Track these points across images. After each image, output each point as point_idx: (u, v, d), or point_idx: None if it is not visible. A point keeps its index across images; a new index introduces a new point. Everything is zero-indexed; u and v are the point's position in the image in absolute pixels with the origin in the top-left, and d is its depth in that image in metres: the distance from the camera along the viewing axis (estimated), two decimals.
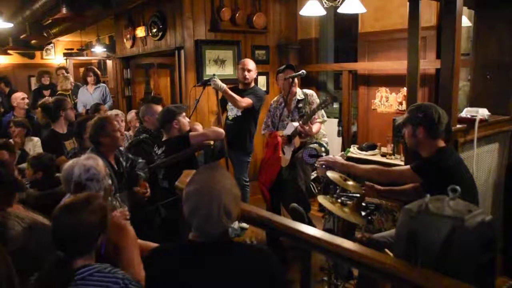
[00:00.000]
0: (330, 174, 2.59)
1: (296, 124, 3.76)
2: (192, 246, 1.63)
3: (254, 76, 4.45)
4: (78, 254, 1.67)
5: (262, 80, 5.56)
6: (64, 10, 4.96)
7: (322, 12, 4.45)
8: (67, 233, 1.66)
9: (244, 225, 4.35)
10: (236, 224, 4.18)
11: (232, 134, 4.20)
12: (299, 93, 4.07)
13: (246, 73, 4.35)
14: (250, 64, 4.41)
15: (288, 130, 3.88)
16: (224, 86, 4.09)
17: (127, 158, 3.37)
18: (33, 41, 8.39)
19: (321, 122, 3.98)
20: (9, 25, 5.96)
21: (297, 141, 3.74)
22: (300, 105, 3.95)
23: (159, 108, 4.07)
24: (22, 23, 6.77)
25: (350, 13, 4.33)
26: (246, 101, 4.18)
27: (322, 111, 3.86)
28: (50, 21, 6.80)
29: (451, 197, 1.46)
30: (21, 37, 7.92)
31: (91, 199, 1.76)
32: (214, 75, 4.17)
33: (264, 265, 1.59)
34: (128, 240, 1.94)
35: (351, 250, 1.39)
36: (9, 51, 9.61)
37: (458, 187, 1.48)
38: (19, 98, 5.67)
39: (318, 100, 3.98)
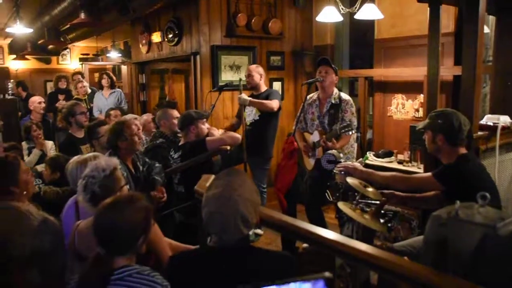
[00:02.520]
0: (350, 180, 2.56)
1: (320, 131, 3.72)
2: (212, 252, 1.62)
3: (258, 80, 4.46)
4: (119, 253, 1.65)
5: (277, 85, 5.56)
6: (82, 15, 5.02)
7: (338, 18, 4.44)
8: (108, 231, 1.64)
9: (259, 231, 4.33)
10: (251, 231, 4.17)
11: (251, 139, 4.20)
12: (335, 96, 3.84)
13: (247, 79, 4.44)
14: (250, 69, 4.50)
15: (314, 138, 3.82)
16: (248, 99, 4.21)
17: (144, 162, 3.38)
18: (50, 46, 8.48)
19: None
20: (29, 30, 6.05)
21: (320, 151, 3.67)
22: (332, 111, 3.77)
23: (174, 112, 4.10)
24: (41, 29, 6.86)
25: (367, 19, 4.32)
26: (274, 102, 4.27)
27: (355, 120, 3.75)
28: (67, 26, 6.89)
29: (481, 204, 1.43)
30: (39, 42, 8.02)
31: (135, 199, 1.74)
32: (240, 79, 4.24)
33: (284, 270, 1.57)
34: (157, 233, 1.94)
35: (381, 258, 1.36)
36: (26, 56, 9.75)
37: (487, 194, 1.45)
38: (36, 102, 5.76)
39: (353, 110, 3.80)
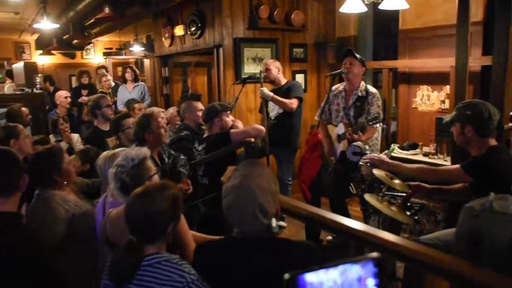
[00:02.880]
0: (377, 172, 2.54)
1: (346, 123, 3.68)
2: (236, 242, 1.63)
3: (276, 73, 4.46)
4: (149, 240, 1.67)
5: (299, 78, 5.53)
6: (106, 10, 5.09)
7: (362, 8, 4.37)
8: (138, 218, 1.66)
9: (282, 223, 4.34)
10: (274, 222, 4.18)
11: (276, 132, 4.20)
12: (362, 88, 3.78)
13: (265, 73, 4.43)
14: (268, 63, 4.51)
15: (339, 130, 3.77)
16: (271, 94, 4.19)
17: (170, 154, 3.42)
18: (74, 41, 8.63)
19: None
20: (55, 26, 6.17)
21: (345, 144, 3.63)
22: (359, 103, 3.71)
23: (199, 104, 4.12)
24: (66, 24, 6.98)
25: (391, 10, 4.25)
26: (295, 102, 4.26)
27: (381, 113, 3.68)
28: (92, 21, 6.99)
29: None
30: (64, 37, 8.17)
31: (165, 187, 1.75)
32: (261, 71, 4.23)
33: (308, 260, 1.57)
34: (184, 226, 1.96)
35: (414, 250, 1.34)
36: (52, 51, 9.95)
37: None
38: (62, 96, 5.88)
39: (379, 103, 3.74)
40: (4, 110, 4.72)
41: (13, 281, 1.63)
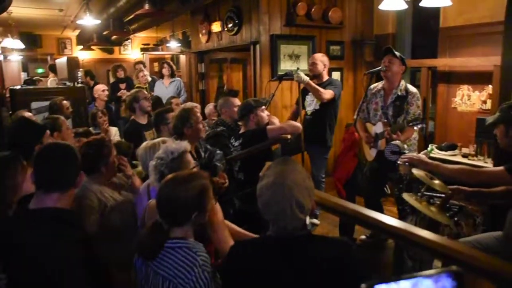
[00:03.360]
0: (416, 171, 2.50)
1: (385, 123, 3.63)
2: (271, 241, 1.63)
3: (322, 68, 4.42)
4: (173, 223, 1.74)
5: (336, 75, 5.49)
6: (146, 6, 5.20)
7: (402, 6, 4.29)
8: (164, 202, 1.75)
9: (315, 221, 4.33)
10: (307, 220, 4.18)
11: (310, 129, 4.19)
12: (402, 87, 3.73)
13: (310, 66, 4.40)
14: (315, 57, 4.45)
15: (377, 129, 3.72)
16: (307, 79, 4.15)
17: (206, 149, 3.47)
18: (113, 37, 8.85)
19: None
20: (97, 21, 6.36)
21: (382, 143, 3.58)
22: (398, 102, 3.65)
23: (236, 100, 4.16)
24: (106, 20, 7.17)
25: (432, 7, 4.15)
26: (329, 93, 4.18)
27: (420, 111, 3.63)
28: (131, 17, 7.16)
29: None
30: (104, 33, 8.39)
31: (194, 176, 1.81)
32: (298, 68, 4.21)
33: (344, 257, 1.57)
34: (218, 216, 1.99)
35: (458, 251, 1.32)
36: (92, 47, 10.24)
37: None
38: (100, 90, 6.05)
39: (419, 103, 3.69)
40: (47, 103, 4.92)
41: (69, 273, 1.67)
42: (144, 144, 2.79)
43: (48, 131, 2.96)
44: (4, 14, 5.07)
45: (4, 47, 7.85)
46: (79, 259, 1.67)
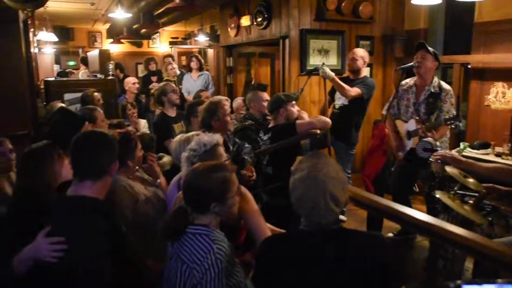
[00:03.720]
0: (449, 169, 2.46)
1: (418, 120, 3.56)
2: (305, 235, 1.63)
3: (361, 65, 4.37)
4: (197, 211, 1.79)
5: (365, 71, 5.41)
6: (177, 0, 5.25)
7: (436, 0, 4.21)
8: (187, 189, 1.81)
9: (342, 217, 4.30)
10: None
11: (337, 124, 4.15)
12: (435, 84, 3.66)
13: (350, 61, 4.33)
14: (356, 52, 4.38)
15: (410, 126, 3.65)
16: (332, 74, 4.11)
17: (234, 142, 3.49)
18: (143, 31, 8.97)
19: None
20: (128, 15, 6.46)
21: (415, 141, 3.51)
22: (431, 99, 3.58)
23: (264, 95, 4.17)
24: (137, 14, 7.27)
25: (467, 1, 4.06)
26: (354, 91, 4.12)
27: (453, 109, 3.56)
28: (160, 11, 7.24)
29: None
30: (134, 26, 8.51)
31: (218, 167, 1.84)
32: (323, 63, 4.17)
33: (377, 251, 1.57)
34: (250, 205, 2.00)
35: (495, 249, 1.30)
36: (122, 40, 10.40)
37: None
38: (131, 82, 6.15)
39: (453, 100, 3.62)
40: (79, 94, 5.03)
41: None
42: (178, 137, 2.81)
43: (87, 123, 3.02)
44: (40, 9, 5.20)
45: (39, 40, 8.05)
46: (104, 249, 1.69)
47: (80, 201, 1.75)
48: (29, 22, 5.43)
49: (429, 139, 2.92)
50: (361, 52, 4.38)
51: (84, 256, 1.66)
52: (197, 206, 1.79)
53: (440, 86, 3.64)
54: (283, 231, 2.22)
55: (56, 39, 8.48)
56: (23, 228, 1.88)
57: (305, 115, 3.76)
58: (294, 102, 3.64)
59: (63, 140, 2.37)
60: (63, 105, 4.35)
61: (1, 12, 4.20)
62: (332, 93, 4.38)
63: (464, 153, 4.08)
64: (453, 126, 3.27)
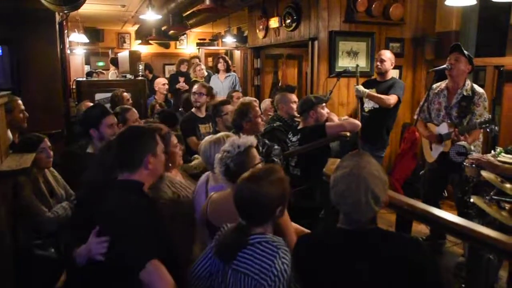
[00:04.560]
0: (485, 174, 2.41)
1: (450, 124, 3.51)
2: (341, 233, 1.63)
3: (389, 67, 4.34)
4: (256, 222, 1.72)
5: (394, 73, 5.33)
6: (207, 1, 5.31)
7: (471, 1, 4.12)
8: (247, 202, 1.71)
9: None
10: None
11: (367, 127, 4.12)
12: (468, 87, 3.59)
13: (378, 63, 4.31)
14: (385, 54, 4.34)
15: (442, 129, 3.59)
16: (366, 91, 4.16)
17: (264, 144, 3.50)
18: (171, 32, 9.07)
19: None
20: (158, 16, 6.56)
21: (448, 144, 3.45)
22: (464, 103, 3.52)
23: (293, 96, 4.18)
24: (166, 15, 7.37)
25: (502, 1, 3.96)
26: (393, 98, 4.13)
27: (486, 113, 3.49)
28: (188, 12, 7.32)
29: None
30: (163, 28, 8.63)
31: (273, 171, 1.78)
32: (357, 65, 4.16)
33: (414, 255, 1.55)
34: (285, 215, 1.99)
35: None
36: (150, 41, 10.56)
37: None
38: (161, 83, 6.26)
39: (486, 104, 3.56)
40: (109, 94, 5.14)
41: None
42: (208, 137, 2.78)
43: (112, 117, 3.10)
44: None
45: (71, 41, 8.26)
46: (147, 223, 1.76)
47: (120, 181, 1.89)
48: (64, 24, 5.58)
49: (463, 143, 2.87)
50: (388, 54, 4.35)
51: (130, 229, 1.74)
52: (261, 217, 1.73)
53: (473, 89, 3.57)
54: (308, 231, 2.21)
55: (86, 40, 8.68)
56: None
57: (334, 117, 3.75)
58: (324, 104, 3.64)
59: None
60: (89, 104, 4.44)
61: (39, 14, 4.34)
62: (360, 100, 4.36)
63: (499, 158, 3.98)
64: (488, 129, 3.19)
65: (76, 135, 4.42)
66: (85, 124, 3.01)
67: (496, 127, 3.24)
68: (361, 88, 4.13)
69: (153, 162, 1.93)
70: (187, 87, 6.40)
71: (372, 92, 4.24)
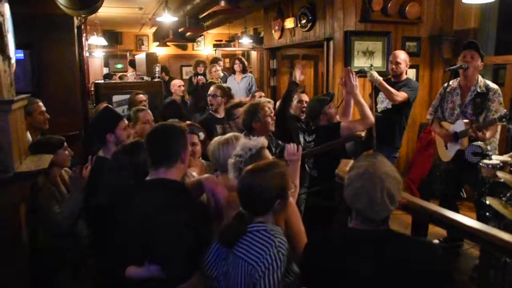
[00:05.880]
0: (502, 174, 2.37)
1: (466, 121, 3.45)
2: (354, 233, 1.62)
3: (404, 68, 4.27)
4: (256, 212, 1.79)
5: (411, 73, 5.28)
6: (222, 3, 5.35)
7: None
8: (247, 192, 1.79)
9: None
10: None
11: (380, 127, 4.07)
12: (481, 84, 3.56)
13: (393, 65, 4.25)
14: (399, 56, 4.26)
15: (457, 127, 3.53)
16: (380, 78, 4.05)
17: (277, 144, 3.49)
18: (188, 34, 9.17)
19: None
20: (174, 19, 6.63)
21: (464, 142, 3.39)
22: (478, 99, 3.48)
23: (303, 96, 4.17)
24: (182, 17, 7.45)
25: None
26: (401, 95, 4.04)
27: (502, 108, 3.42)
28: (205, 14, 7.37)
29: None
30: (180, 30, 8.72)
31: (273, 166, 1.85)
32: (371, 65, 4.11)
33: (430, 260, 1.54)
34: (294, 211, 2.01)
35: None
36: (167, 43, 10.67)
37: None
38: (177, 85, 6.31)
39: (501, 99, 3.50)
40: (127, 96, 5.22)
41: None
42: (216, 138, 2.76)
43: (125, 120, 3.12)
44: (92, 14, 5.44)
45: (90, 44, 8.41)
46: (184, 223, 1.80)
47: (160, 181, 1.91)
48: (82, 27, 5.69)
49: (479, 143, 2.82)
50: (402, 55, 4.28)
51: (167, 228, 1.78)
52: (259, 208, 1.79)
53: (487, 86, 3.53)
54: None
55: (105, 43, 8.81)
56: None
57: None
58: (331, 103, 3.61)
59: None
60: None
61: (57, 19, 4.43)
62: (375, 92, 4.30)
63: None
64: (509, 124, 3.12)
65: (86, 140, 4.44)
66: (100, 130, 2.91)
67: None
68: (375, 74, 4.05)
69: (187, 157, 2.01)
70: (203, 79, 6.48)
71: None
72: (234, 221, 1.80)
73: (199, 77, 6.75)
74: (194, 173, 2.70)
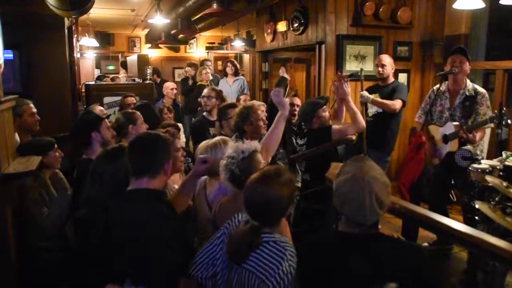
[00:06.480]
0: (490, 179, 2.38)
1: (456, 123, 3.50)
2: (344, 237, 1.63)
3: (390, 71, 4.33)
4: (268, 223, 1.73)
5: (402, 77, 5.34)
6: (214, 6, 5.34)
7: (479, 4, 4.09)
8: (259, 204, 1.71)
9: None
10: None
11: (371, 132, 4.10)
12: (469, 87, 3.62)
13: (380, 68, 4.30)
14: (384, 59, 4.35)
15: (447, 130, 3.58)
16: (371, 96, 4.15)
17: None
18: (180, 36, 9.14)
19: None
20: (167, 21, 6.61)
21: (454, 144, 3.44)
22: (467, 103, 3.54)
23: (296, 100, 4.18)
24: (175, 19, 7.43)
25: None
26: (398, 103, 4.13)
27: (490, 111, 3.47)
28: (198, 17, 7.36)
29: None
30: (172, 32, 8.70)
31: (281, 172, 1.79)
32: (361, 69, 4.15)
33: (417, 263, 1.55)
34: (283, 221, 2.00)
35: None
36: (160, 45, 10.64)
37: None
38: (169, 88, 6.28)
39: (488, 103, 3.56)
40: (118, 98, 5.19)
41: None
42: (204, 142, 2.72)
43: (106, 121, 3.09)
44: (84, 15, 5.41)
45: (82, 45, 8.35)
46: (172, 232, 1.77)
47: (144, 191, 1.86)
48: (73, 28, 5.64)
49: (469, 147, 2.84)
50: (387, 59, 4.37)
51: (154, 238, 1.74)
52: (273, 218, 1.74)
53: (475, 90, 3.60)
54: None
55: (97, 44, 8.76)
56: None
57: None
58: (324, 107, 3.62)
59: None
60: (99, 108, 4.45)
61: (48, 20, 4.39)
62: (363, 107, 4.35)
63: (506, 163, 3.93)
64: (498, 129, 3.16)
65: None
66: (85, 130, 2.88)
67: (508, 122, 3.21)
68: (365, 93, 4.13)
69: (170, 167, 1.97)
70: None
71: (376, 97, 4.22)
72: (245, 235, 1.71)
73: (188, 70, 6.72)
74: (175, 185, 2.67)
